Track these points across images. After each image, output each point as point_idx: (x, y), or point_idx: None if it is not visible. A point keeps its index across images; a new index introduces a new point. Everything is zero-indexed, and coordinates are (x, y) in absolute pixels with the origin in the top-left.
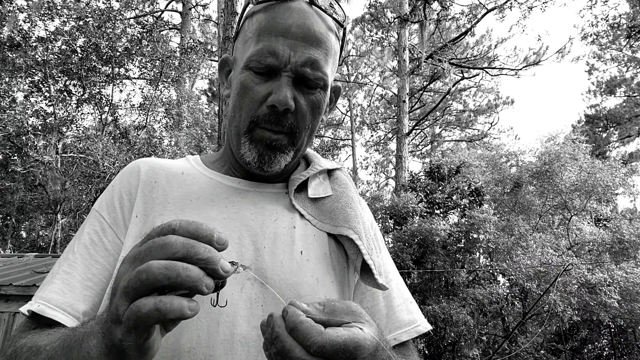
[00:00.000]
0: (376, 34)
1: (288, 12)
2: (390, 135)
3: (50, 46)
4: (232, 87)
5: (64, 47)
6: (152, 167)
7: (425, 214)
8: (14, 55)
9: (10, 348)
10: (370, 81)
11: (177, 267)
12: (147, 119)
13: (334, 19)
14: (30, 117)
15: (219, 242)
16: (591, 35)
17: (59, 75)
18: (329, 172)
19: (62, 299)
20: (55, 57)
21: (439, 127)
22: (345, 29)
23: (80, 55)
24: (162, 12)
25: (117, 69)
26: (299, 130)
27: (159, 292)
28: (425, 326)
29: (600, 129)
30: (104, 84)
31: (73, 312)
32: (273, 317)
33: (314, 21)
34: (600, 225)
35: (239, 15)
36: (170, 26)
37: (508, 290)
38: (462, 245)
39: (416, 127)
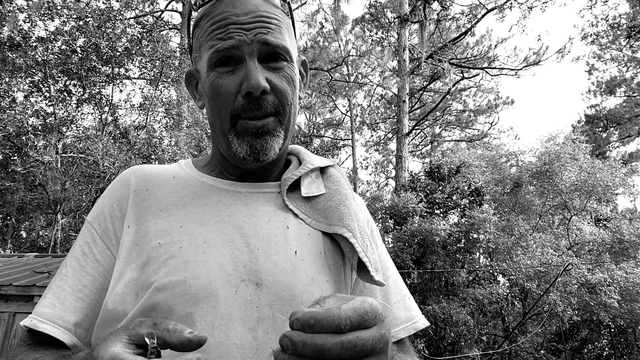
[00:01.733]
0: (376, 34)
1: (230, 4)
2: (390, 135)
3: (50, 46)
4: (203, 95)
5: (64, 47)
6: (143, 175)
7: (425, 214)
8: (14, 55)
9: None
10: (370, 81)
11: None
12: (147, 119)
13: None
14: (30, 117)
15: (201, 342)
16: (591, 35)
17: (59, 75)
18: (322, 170)
19: (52, 312)
20: (55, 57)
21: (439, 127)
22: (289, 3)
23: (80, 55)
24: (162, 12)
25: (117, 69)
26: (283, 107)
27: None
28: (423, 322)
29: (600, 129)
30: (104, 84)
31: (63, 324)
32: (286, 335)
33: (257, 4)
34: (600, 225)
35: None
36: (170, 26)
37: (508, 290)
38: (462, 245)
39: (416, 127)
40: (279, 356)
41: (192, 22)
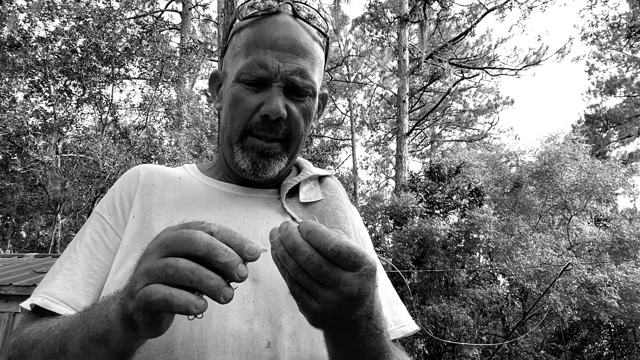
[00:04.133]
0: (376, 34)
1: (274, 25)
2: (390, 135)
3: (50, 46)
4: (223, 100)
5: (64, 47)
6: (150, 171)
7: (425, 214)
8: (14, 55)
9: (14, 338)
10: (370, 81)
11: (202, 274)
12: (147, 119)
13: (318, 29)
14: (30, 117)
15: (250, 252)
16: (591, 35)
17: (59, 75)
18: (320, 179)
19: (64, 294)
20: (55, 57)
21: (439, 127)
22: (328, 38)
23: (80, 55)
24: (162, 12)
25: (117, 69)
26: (293, 137)
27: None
28: (412, 327)
29: (600, 129)
30: (104, 84)
31: (75, 307)
32: (288, 223)
33: (299, 33)
34: (600, 225)
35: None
36: (170, 26)
37: (508, 290)
38: (462, 245)
39: (416, 127)
40: (274, 230)
41: (233, 25)
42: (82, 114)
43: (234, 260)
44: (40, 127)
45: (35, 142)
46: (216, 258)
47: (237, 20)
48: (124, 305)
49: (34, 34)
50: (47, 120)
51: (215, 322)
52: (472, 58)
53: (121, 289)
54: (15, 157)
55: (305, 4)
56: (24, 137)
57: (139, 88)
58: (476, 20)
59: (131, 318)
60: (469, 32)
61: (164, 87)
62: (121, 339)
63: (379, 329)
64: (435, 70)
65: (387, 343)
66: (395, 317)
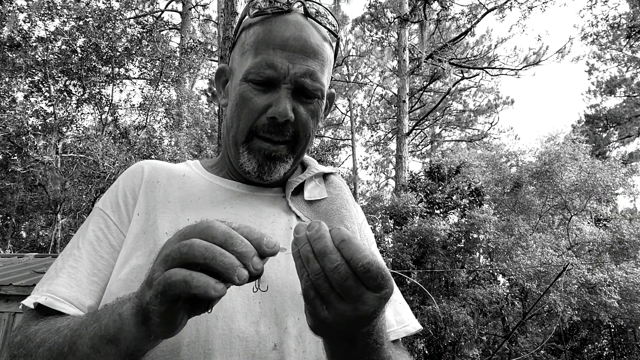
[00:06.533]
0: (376, 34)
1: (285, 24)
2: (390, 135)
3: (50, 46)
4: (229, 98)
5: (64, 47)
6: (154, 167)
7: (425, 214)
8: (14, 55)
9: (19, 336)
10: (370, 81)
11: (215, 250)
12: (147, 119)
13: (328, 29)
14: (30, 117)
15: (268, 245)
16: (591, 35)
17: (59, 75)
18: (324, 176)
19: (69, 292)
20: (55, 57)
21: (439, 127)
22: (338, 38)
23: (80, 55)
24: (162, 12)
25: (117, 69)
26: (300, 139)
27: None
28: (415, 326)
29: (600, 129)
30: (104, 84)
31: (80, 306)
32: (320, 223)
33: (310, 33)
34: (600, 225)
35: (236, 24)
36: (170, 26)
37: (508, 290)
38: (462, 245)
39: (416, 127)
40: (301, 226)
41: (243, 21)
42: (82, 114)
43: (249, 251)
44: (40, 127)
45: (35, 142)
46: (233, 247)
47: (247, 17)
48: (140, 297)
49: (34, 34)
50: (47, 120)
51: (221, 324)
52: (472, 58)
53: (138, 289)
54: (15, 157)
55: (314, 1)
56: (24, 137)
57: (139, 88)
58: (476, 20)
59: (146, 310)
60: (469, 32)
61: (164, 87)
62: (132, 337)
63: (379, 343)
64: (435, 70)
65: (388, 354)
66: (398, 316)
